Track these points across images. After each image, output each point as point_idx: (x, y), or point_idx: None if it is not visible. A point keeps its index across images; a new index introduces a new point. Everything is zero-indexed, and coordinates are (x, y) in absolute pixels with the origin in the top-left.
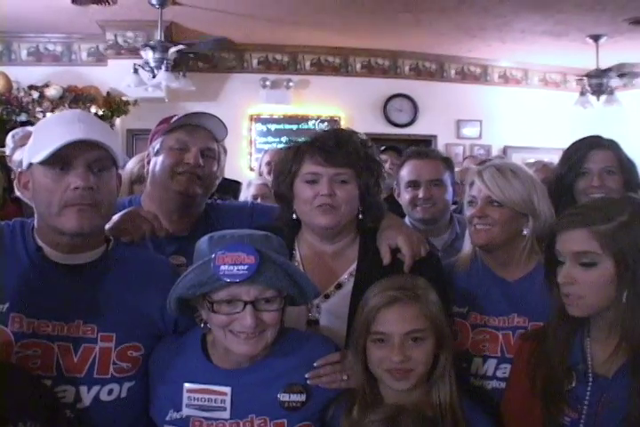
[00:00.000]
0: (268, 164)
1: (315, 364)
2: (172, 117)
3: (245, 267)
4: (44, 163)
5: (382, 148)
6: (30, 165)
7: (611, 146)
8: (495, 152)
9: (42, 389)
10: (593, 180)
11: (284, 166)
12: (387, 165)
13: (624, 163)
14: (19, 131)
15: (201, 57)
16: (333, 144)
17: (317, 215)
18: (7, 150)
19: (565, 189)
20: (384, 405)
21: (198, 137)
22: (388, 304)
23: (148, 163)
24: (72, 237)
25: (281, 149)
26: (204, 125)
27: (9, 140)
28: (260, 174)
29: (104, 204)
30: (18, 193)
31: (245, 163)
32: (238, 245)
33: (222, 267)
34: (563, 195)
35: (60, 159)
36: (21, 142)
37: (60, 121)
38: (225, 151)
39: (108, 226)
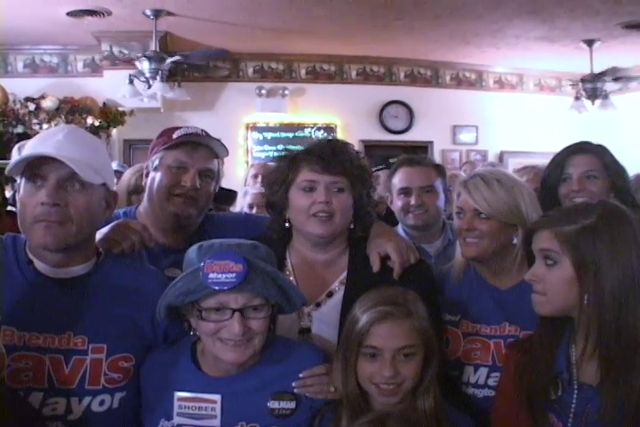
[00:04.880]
0: (255, 176)
1: (300, 375)
2: (173, 130)
3: (233, 275)
4: (24, 176)
5: (380, 167)
6: (21, 178)
7: (594, 150)
8: (491, 157)
9: (19, 402)
10: (573, 184)
11: (279, 175)
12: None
13: (609, 167)
14: (25, 143)
15: (196, 67)
16: (330, 153)
17: (313, 224)
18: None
19: (550, 195)
20: (371, 410)
21: (198, 157)
22: (380, 319)
23: (147, 175)
24: (50, 252)
25: (268, 162)
26: (206, 143)
27: (15, 152)
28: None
29: (74, 221)
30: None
31: (242, 172)
32: (226, 254)
33: (211, 275)
34: (548, 200)
35: (36, 174)
36: None
37: (44, 135)
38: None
39: (97, 238)
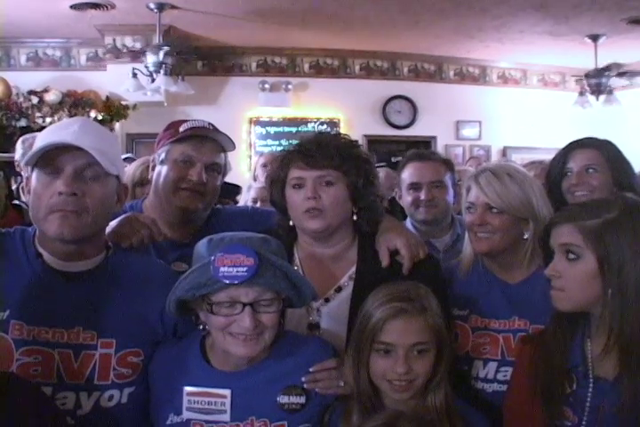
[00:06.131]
0: (264, 165)
1: (310, 369)
2: (180, 123)
3: (244, 269)
4: (38, 167)
5: (380, 164)
6: (32, 169)
7: (595, 145)
8: (495, 153)
9: (42, 398)
10: (573, 178)
11: (275, 175)
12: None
13: (612, 161)
14: (29, 137)
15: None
16: (315, 147)
17: (306, 220)
18: (17, 156)
19: (554, 190)
20: (383, 411)
21: (204, 151)
22: (394, 316)
23: (153, 169)
24: (62, 243)
25: (276, 152)
26: (213, 136)
27: (19, 145)
28: (255, 178)
29: (91, 211)
30: (24, 198)
31: (245, 166)
32: (237, 247)
33: (222, 269)
34: (553, 195)
35: (51, 163)
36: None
37: (59, 126)
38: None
39: (107, 231)
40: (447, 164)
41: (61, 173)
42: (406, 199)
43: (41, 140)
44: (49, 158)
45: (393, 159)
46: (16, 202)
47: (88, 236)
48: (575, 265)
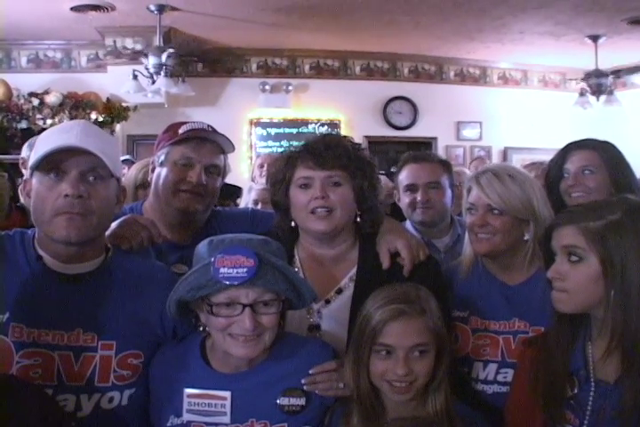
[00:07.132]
0: (261, 166)
1: (310, 371)
2: (179, 125)
3: (245, 270)
4: (40, 169)
5: (382, 172)
6: (33, 172)
7: (593, 146)
8: (495, 153)
9: (47, 401)
10: (569, 179)
11: (279, 175)
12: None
13: (609, 162)
14: (35, 140)
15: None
16: (323, 148)
17: (313, 221)
18: (23, 154)
19: (553, 191)
20: (400, 418)
21: (204, 153)
22: (394, 317)
23: (153, 171)
24: (65, 245)
25: (274, 153)
26: (212, 138)
27: (25, 147)
28: (253, 179)
29: (96, 213)
30: (22, 200)
31: (245, 167)
32: (238, 249)
33: (222, 270)
34: (552, 196)
35: (55, 166)
36: None
37: (60, 129)
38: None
39: (107, 234)
40: (444, 165)
41: (66, 176)
42: (404, 201)
43: (44, 144)
44: (52, 161)
45: (392, 169)
46: (21, 203)
47: (92, 238)
48: (578, 267)
